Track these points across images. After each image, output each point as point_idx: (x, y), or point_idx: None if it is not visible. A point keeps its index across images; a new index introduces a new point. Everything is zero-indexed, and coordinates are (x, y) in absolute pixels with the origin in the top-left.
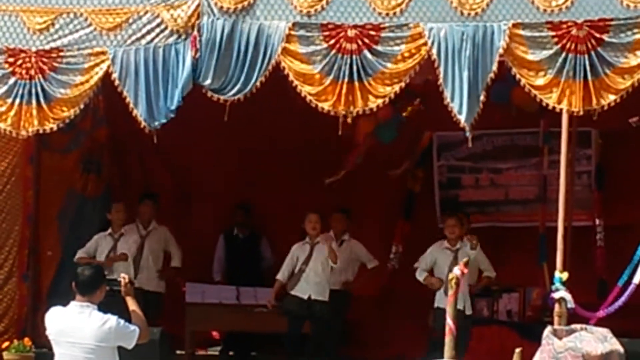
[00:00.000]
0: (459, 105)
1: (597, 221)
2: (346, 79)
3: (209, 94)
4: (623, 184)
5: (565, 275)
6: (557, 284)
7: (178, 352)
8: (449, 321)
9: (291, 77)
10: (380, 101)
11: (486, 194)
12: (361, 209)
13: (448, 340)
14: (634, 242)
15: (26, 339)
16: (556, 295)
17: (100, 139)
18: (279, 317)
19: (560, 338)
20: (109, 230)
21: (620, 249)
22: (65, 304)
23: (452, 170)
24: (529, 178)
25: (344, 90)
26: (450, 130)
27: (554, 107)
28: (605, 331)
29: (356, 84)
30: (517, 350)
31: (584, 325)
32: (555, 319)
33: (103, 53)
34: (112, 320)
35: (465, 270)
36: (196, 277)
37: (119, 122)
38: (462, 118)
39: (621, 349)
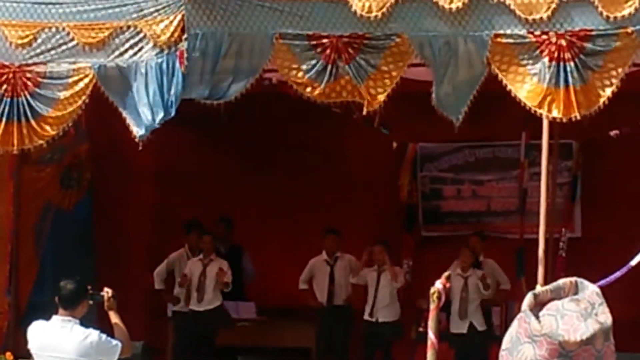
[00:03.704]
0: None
1: (563, 231)
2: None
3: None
4: (601, 195)
5: None
6: None
7: None
8: (431, 335)
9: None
10: (381, 97)
11: (468, 205)
12: (353, 227)
13: (430, 354)
14: (603, 254)
15: (8, 353)
16: None
17: (82, 154)
18: (261, 331)
19: (541, 305)
20: (200, 256)
21: (585, 261)
22: (44, 317)
23: (434, 182)
24: (510, 190)
25: (343, 92)
26: (431, 142)
27: (537, 116)
28: (594, 297)
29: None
30: None
31: (573, 280)
32: None
33: (87, 68)
34: (93, 334)
35: (448, 285)
36: None
37: (101, 136)
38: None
39: (608, 322)
